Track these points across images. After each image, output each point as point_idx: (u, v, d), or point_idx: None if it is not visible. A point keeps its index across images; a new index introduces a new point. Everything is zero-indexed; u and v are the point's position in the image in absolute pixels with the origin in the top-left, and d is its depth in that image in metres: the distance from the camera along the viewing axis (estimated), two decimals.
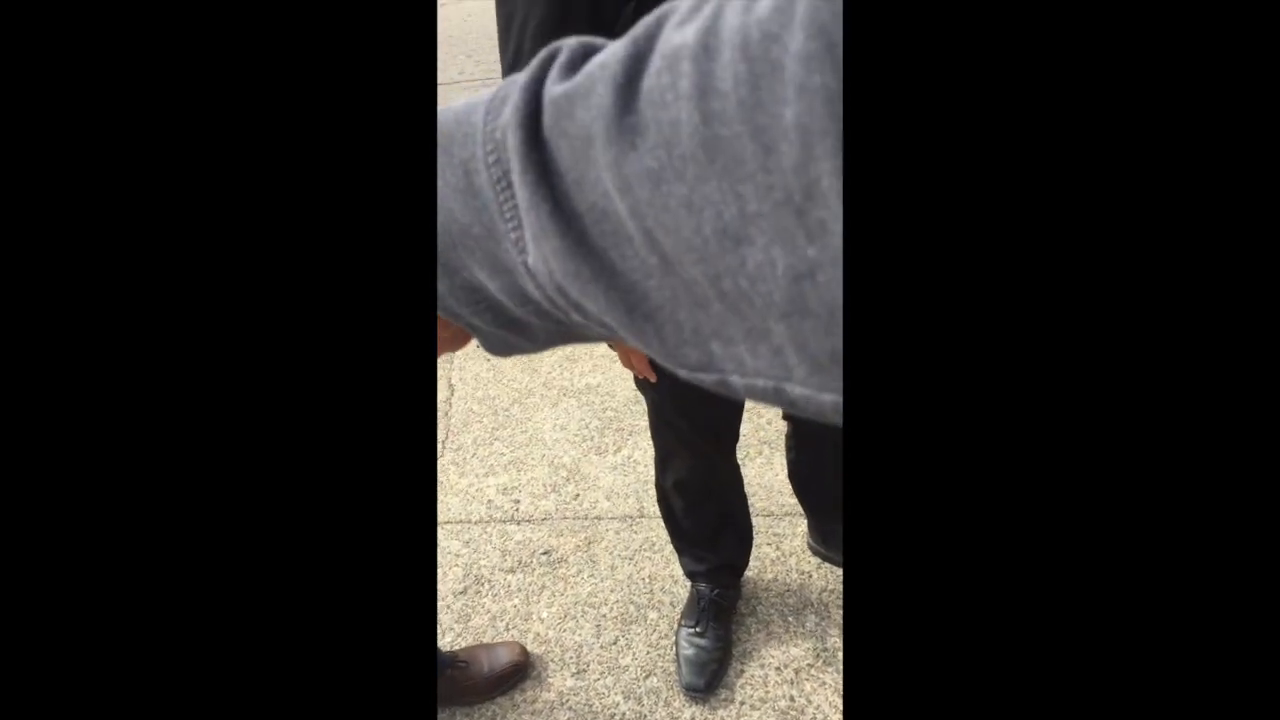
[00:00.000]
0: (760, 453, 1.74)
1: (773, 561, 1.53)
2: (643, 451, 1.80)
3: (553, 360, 2.15)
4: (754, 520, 1.59)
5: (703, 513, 1.31)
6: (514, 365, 2.13)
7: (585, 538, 1.63)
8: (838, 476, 1.32)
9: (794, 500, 1.52)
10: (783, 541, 1.56)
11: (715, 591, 1.38)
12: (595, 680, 1.37)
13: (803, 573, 1.50)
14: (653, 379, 0.93)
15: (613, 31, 0.82)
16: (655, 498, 1.36)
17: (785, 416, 1.27)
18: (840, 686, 1.33)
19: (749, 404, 1.80)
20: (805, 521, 1.54)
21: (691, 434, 1.18)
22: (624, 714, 1.32)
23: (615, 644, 1.42)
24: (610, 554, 1.59)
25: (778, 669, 1.36)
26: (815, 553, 1.52)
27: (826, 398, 0.27)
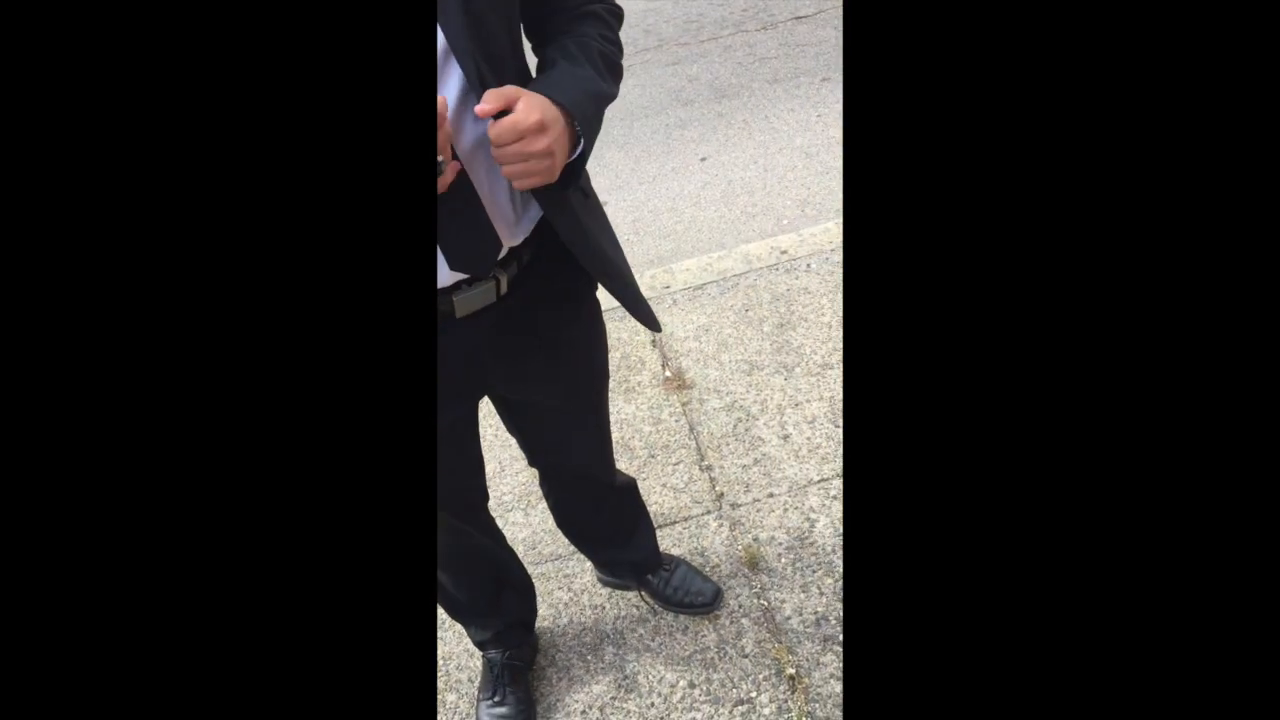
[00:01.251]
0: (540, 498, 1.74)
1: (566, 604, 1.54)
2: None
3: None
4: (543, 566, 1.59)
5: (473, 580, 1.29)
6: None
7: None
8: (600, 512, 1.35)
9: None
10: (573, 581, 1.57)
11: (507, 655, 1.37)
12: None
13: (595, 607, 1.53)
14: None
15: None
16: None
17: (530, 463, 1.27)
18: (643, 713, 1.37)
19: (518, 453, 1.80)
20: None
21: (439, 509, 1.15)
22: None
23: None
24: None
25: (582, 713, 1.37)
26: (605, 583, 1.55)
27: None
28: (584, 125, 0.79)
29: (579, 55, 0.82)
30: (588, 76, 0.81)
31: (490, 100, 0.72)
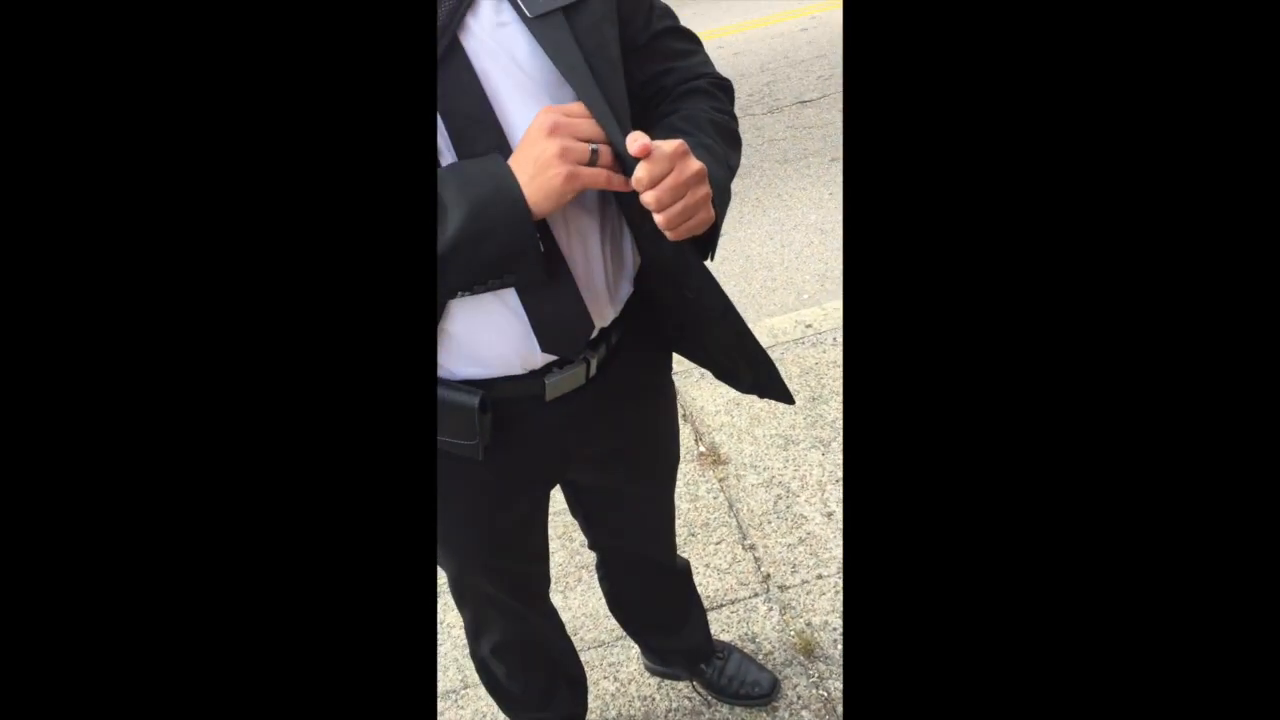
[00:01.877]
0: (579, 579, 1.68)
1: (613, 695, 1.46)
2: (454, 616, 1.67)
3: None
4: (586, 654, 1.52)
5: (530, 674, 1.22)
6: None
7: None
8: (657, 597, 1.30)
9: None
10: (619, 670, 1.50)
11: None
12: None
13: (645, 698, 1.45)
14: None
15: None
16: (475, 668, 1.25)
17: (591, 546, 1.22)
18: None
19: (559, 533, 1.74)
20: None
21: (501, 595, 1.09)
22: None
23: None
24: None
25: None
26: (655, 673, 1.47)
27: None
28: (717, 192, 0.74)
29: (690, 129, 0.80)
30: (707, 145, 0.78)
31: (639, 141, 0.66)
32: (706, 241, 0.80)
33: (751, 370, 0.93)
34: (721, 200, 0.76)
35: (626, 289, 0.87)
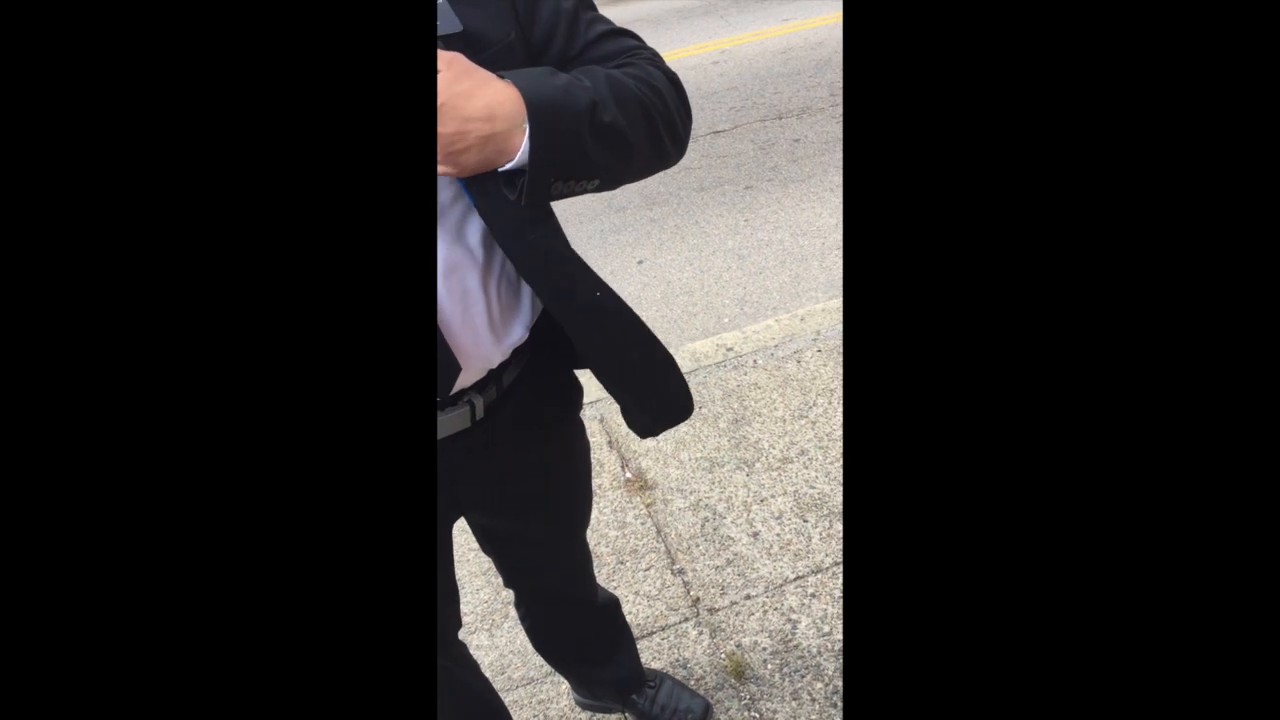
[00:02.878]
0: (506, 615, 1.63)
1: None
2: None
3: None
4: (514, 693, 1.47)
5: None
6: None
7: None
8: (579, 631, 1.27)
9: None
10: (548, 708, 1.45)
11: None
12: None
13: None
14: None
15: None
16: None
17: (507, 583, 1.19)
18: None
19: (483, 569, 1.69)
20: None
21: None
22: None
23: None
24: None
25: None
26: (585, 706, 1.44)
27: None
28: (534, 121, 0.63)
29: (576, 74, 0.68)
30: (568, 81, 0.66)
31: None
32: (536, 189, 0.67)
33: (651, 380, 0.87)
34: (544, 130, 0.64)
35: (519, 333, 0.82)
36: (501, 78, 0.64)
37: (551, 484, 0.99)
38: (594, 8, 0.76)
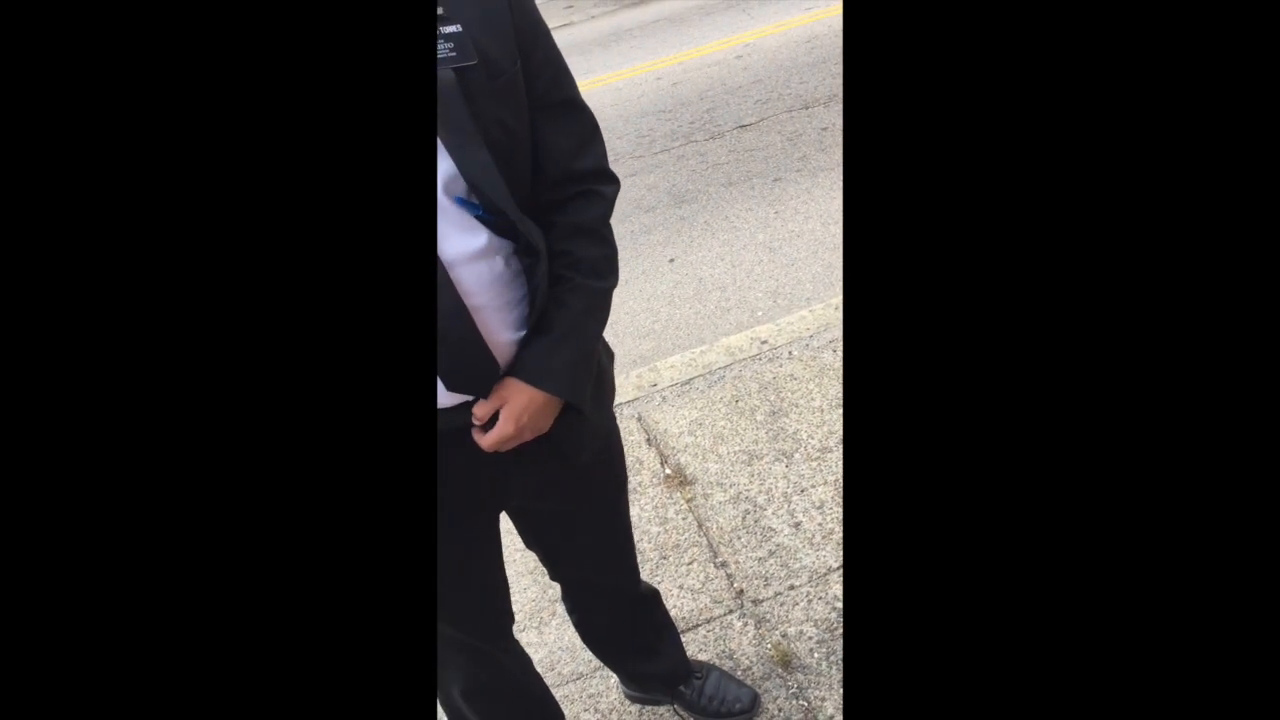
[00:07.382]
0: (554, 613, 1.66)
1: None
2: None
3: None
4: (565, 688, 1.50)
5: (503, 715, 1.20)
6: None
7: None
8: (626, 624, 1.29)
9: None
10: (599, 701, 1.48)
11: None
12: None
13: None
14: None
15: None
16: (447, 717, 1.23)
17: (553, 577, 1.22)
18: None
19: (530, 568, 1.72)
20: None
21: (460, 635, 1.08)
22: None
23: None
24: None
25: None
26: (634, 699, 1.46)
27: None
28: (576, 394, 0.88)
29: (568, 301, 0.86)
30: (575, 335, 0.87)
31: (482, 409, 0.84)
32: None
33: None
34: (579, 389, 0.89)
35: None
36: (546, 388, 0.86)
37: (590, 465, 1.02)
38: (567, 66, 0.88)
